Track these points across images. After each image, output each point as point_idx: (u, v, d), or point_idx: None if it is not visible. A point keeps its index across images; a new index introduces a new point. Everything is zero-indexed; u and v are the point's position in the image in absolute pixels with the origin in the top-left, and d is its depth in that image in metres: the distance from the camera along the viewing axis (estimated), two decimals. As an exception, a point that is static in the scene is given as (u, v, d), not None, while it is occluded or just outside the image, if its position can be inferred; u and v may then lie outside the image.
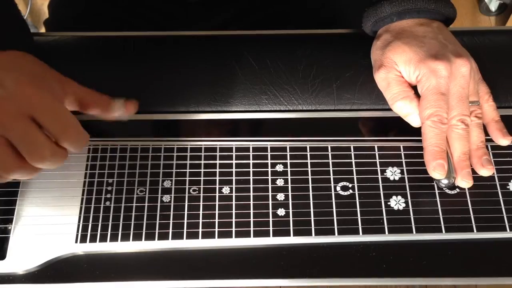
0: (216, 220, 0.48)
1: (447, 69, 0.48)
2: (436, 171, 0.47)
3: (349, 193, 0.49)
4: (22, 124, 0.40)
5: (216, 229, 0.48)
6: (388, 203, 0.49)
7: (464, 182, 0.48)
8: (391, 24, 0.53)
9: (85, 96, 0.46)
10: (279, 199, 0.49)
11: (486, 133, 0.51)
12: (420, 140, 0.50)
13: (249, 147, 0.51)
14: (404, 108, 0.50)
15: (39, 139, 0.40)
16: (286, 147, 0.52)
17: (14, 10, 0.53)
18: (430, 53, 0.49)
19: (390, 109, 0.52)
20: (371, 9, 0.53)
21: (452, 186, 0.49)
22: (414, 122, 0.50)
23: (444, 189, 0.49)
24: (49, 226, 0.48)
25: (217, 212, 0.48)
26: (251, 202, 0.49)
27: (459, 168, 0.48)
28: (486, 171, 0.49)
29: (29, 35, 0.55)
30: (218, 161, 0.51)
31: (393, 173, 0.50)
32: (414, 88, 0.50)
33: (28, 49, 0.46)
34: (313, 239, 0.48)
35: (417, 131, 0.50)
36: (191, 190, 0.49)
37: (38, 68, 0.45)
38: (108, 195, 0.49)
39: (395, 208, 0.49)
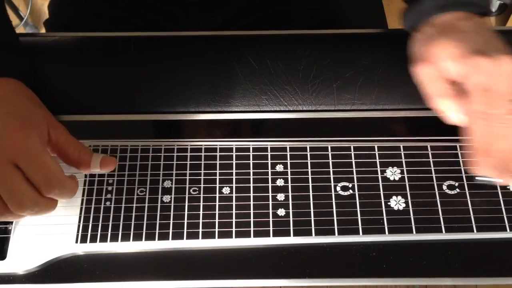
0: (216, 220, 0.48)
1: (492, 65, 0.47)
2: (481, 168, 0.47)
3: (349, 193, 0.49)
4: (6, 170, 0.39)
5: (216, 229, 0.48)
6: (388, 203, 0.49)
7: (509, 181, 0.47)
8: (432, 19, 0.52)
9: (66, 147, 0.45)
10: (279, 199, 0.49)
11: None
12: (420, 140, 0.50)
13: (249, 147, 0.51)
14: (446, 105, 0.49)
15: (20, 188, 0.40)
16: (286, 147, 0.52)
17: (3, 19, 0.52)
18: (475, 49, 0.48)
19: (390, 109, 0.53)
20: (412, 5, 0.53)
21: (491, 185, 0.49)
22: (454, 118, 0.49)
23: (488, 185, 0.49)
24: (49, 226, 0.48)
25: (217, 212, 0.48)
26: (251, 202, 0.49)
27: (505, 166, 0.47)
28: None
29: (16, 38, 0.55)
30: (218, 161, 0.51)
31: (393, 173, 0.50)
32: (456, 85, 0.50)
33: (15, 53, 0.45)
34: (313, 239, 0.48)
35: (417, 132, 0.50)
36: (191, 190, 0.49)
37: (29, 106, 0.45)
38: (109, 195, 0.49)
39: (395, 208, 0.49)
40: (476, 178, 0.49)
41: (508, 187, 0.49)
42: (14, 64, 0.50)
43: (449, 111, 0.49)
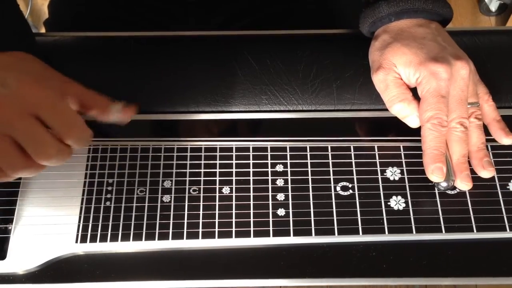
0: (216, 220, 0.48)
1: (447, 71, 0.48)
2: (435, 174, 0.47)
3: (349, 193, 0.49)
4: (28, 122, 0.40)
5: (216, 229, 0.48)
6: (388, 203, 0.49)
7: (464, 184, 0.48)
8: (389, 25, 0.53)
9: (85, 97, 0.46)
10: (279, 199, 0.49)
11: (487, 133, 0.51)
12: (420, 140, 0.50)
13: (249, 147, 0.51)
14: (403, 110, 0.50)
15: (45, 138, 0.40)
16: (286, 147, 0.52)
17: (16, 10, 0.53)
18: (430, 56, 0.49)
19: (390, 109, 0.52)
20: (368, 10, 0.53)
21: (452, 189, 0.49)
22: (413, 123, 0.50)
23: (445, 190, 0.49)
24: (49, 226, 0.48)
25: (217, 212, 0.48)
26: (251, 202, 0.49)
27: (458, 171, 0.48)
28: (487, 173, 0.49)
29: (31, 35, 0.55)
30: (218, 161, 0.51)
31: (393, 173, 0.50)
32: (413, 90, 0.50)
33: (30, 50, 0.46)
34: (313, 239, 0.48)
35: (417, 131, 0.50)
36: (191, 190, 0.49)
37: (40, 67, 0.45)
38: (108, 195, 0.49)
39: (395, 208, 0.49)
40: (439, 186, 0.49)
41: (508, 187, 0.50)
42: (25, 42, 0.51)
43: (410, 115, 0.49)
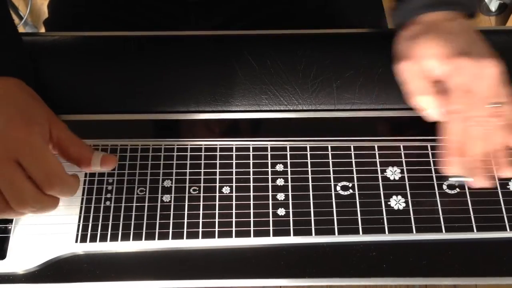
0: (216, 220, 0.48)
1: (476, 67, 0.47)
2: (453, 167, 0.47)
3: (349, 193, 0.49)
4: (8, 168, 0.40)
5: (216, 229, 0.48)
6: (388, 203, 0.49)
7: (479, 181, 0.48)
8: (421, 16, 0.52)
9: (67, 144, 0.46)
10: (279, 199, 0.49)
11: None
12: (420, 140, 0.50)
13: (249, 147, 0.51)
14: (424, 103, 0.50)
15: (22, 185, 0.40)
16: (286, 147, 0.52)
17: (2, 13, 0.52)
18: (459, 50, 0.48)
19: (390, 109, 0.52)
20: (400, 3, 0.53)
21: (463, 185, 0.49)
22: (432, 117, 0.50)
23: (456, 185, 0.49)
24: (49, 225, 0.48)
25: (217, 212, 0.48)
26: (251, 202, 0.49)
27: (475, 168, 0.48)
28: (508, 172, 0.48)
29: (19, 38, 0.55)
30: (218, 161, 0.51)
31: (393, 173, 0.50)
32: (437, 84, 0.50)
33: (18, 52, 0.45)
34: (313, 239, 0.48)
35: (418, 131, 0.50)
36: (191, 190, 0.49)
37: (28, 99, 0.45)
38: (108, 195, 0.49)
39: (395, 208, 0.49)
40: (450, 178, 0.49)
41: (499, 186, 0.50)
42: (15, 63, 0.50)
43: (430, 108, 0.49)
